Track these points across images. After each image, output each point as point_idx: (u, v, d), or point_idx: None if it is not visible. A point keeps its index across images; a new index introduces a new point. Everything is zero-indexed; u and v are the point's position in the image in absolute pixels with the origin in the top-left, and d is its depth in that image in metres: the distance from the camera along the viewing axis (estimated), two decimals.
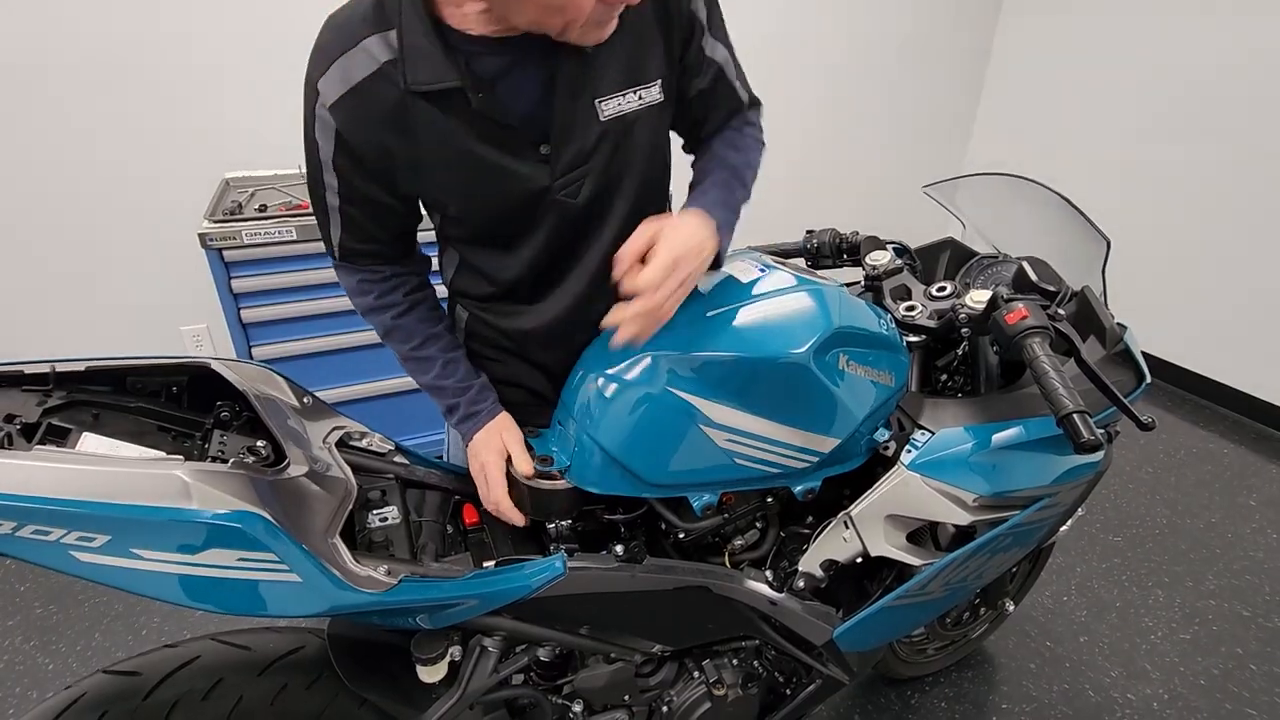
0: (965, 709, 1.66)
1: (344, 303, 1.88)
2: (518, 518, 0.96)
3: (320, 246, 1.79)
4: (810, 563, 1.04)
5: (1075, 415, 0.84)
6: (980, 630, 1.74)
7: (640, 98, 0.90)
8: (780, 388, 0.90)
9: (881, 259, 1.24)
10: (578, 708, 1.04)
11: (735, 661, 1.13)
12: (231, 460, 0.73)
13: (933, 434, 1.01)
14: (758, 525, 1.10)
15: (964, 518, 0.99)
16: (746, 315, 0.93)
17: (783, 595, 1.04)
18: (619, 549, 0.97)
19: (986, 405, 1.06)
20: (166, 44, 2.00)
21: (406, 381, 2.07)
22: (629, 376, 0.90)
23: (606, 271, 0.87)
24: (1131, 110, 2.96)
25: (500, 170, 0.85)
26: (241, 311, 1.77)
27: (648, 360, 0.90)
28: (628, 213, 0.95)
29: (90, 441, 0.73)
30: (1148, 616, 1.93)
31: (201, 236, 1.65)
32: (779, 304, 0.94)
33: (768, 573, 1.05)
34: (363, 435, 1.02)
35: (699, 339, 0.91)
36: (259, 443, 0.82)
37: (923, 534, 1.06)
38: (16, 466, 0.60)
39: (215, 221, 1.68)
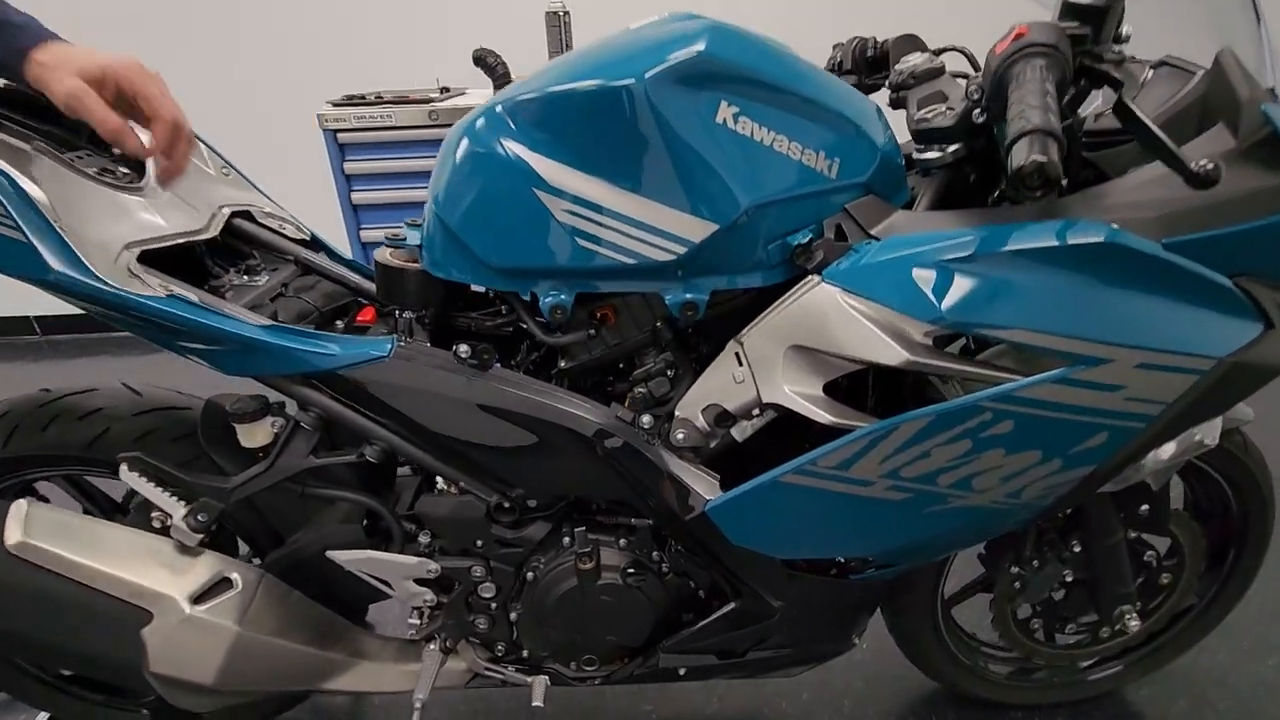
0: None
1: None
2: (139, 148, 0.74)
3: (419, 134, 1.92)
4: (691, 407, 0.78)
5: (1031, 134, 0.50)
6: (1103, 668, 1.20)
7: None
8: (617, 135, 0.68)
9: (915, 59, 0.91)
10: (425, 538, 0.92)
11: (623, 542, 0.90)
12: (34, 144, 0.76)
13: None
14: (669, 373, 0.86)
15: (897, 357, 0.65)
16: (604, 46, 0.73)
17: (653, 444, 0.80)
18: (464, 348, 0.83)
19: (996, 215, 0.70)
20: None
21: None
22: (467, 135, 0.76)
23: None
24: None
25: None
26: (352, 194, 1.96)
27: (490, 111, 0.75)
28: None
29: None
30: None
31: (319, 117, 1.85)
32: (653, 32, 0.72)
33: (645, 418, 0.81)
34: (279, 220, 1.02)
35: (541, 77, 0.74)
36: (121, 168, 0.85)
37: (856, 393, 0.73)
38: None
39: (334, 105, 1.88)
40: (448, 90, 2.10)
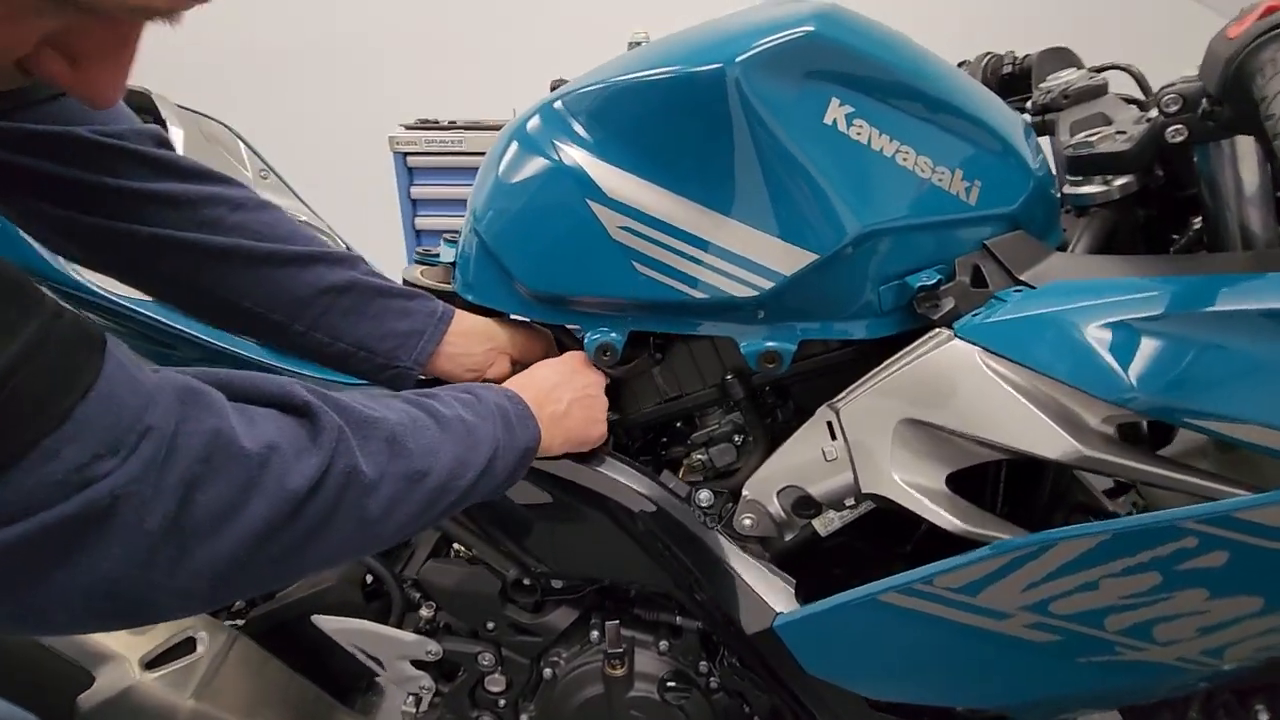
0: None
1: None
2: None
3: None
4: (764, 486, 0.60)
5: None
6: None
7: None
8: (696, 134, 0.54)
9: (1068, 75, 0.75)
10: (426, 611, 0.76)
11: (664, 644, 0.72)
12: None
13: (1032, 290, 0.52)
14: (735, 439, 0.69)
15: (1063, 449, 0.47)
16: (691, 31, 0.60)
17: (712, 529, 0.63)
18: None
19: (1195, 265, 0.51)
20: None
21: None
22: (516, 135, 0.64)
23: None
24: None
25: None
26: (416, 219, 1.90)
27: (546, 107, 0.63)
28: None
29: None
30: None
31: (391, 139, 1.82)
32: (754, 15, 0.58)
33: (703, 493, 0.64)
34: (314, 229, 0.93)
35: (611, 67, 0.61)
36: None
37: (973, 486, 0.55)
38: None
39: (406, 128, 1.84)
40: None
